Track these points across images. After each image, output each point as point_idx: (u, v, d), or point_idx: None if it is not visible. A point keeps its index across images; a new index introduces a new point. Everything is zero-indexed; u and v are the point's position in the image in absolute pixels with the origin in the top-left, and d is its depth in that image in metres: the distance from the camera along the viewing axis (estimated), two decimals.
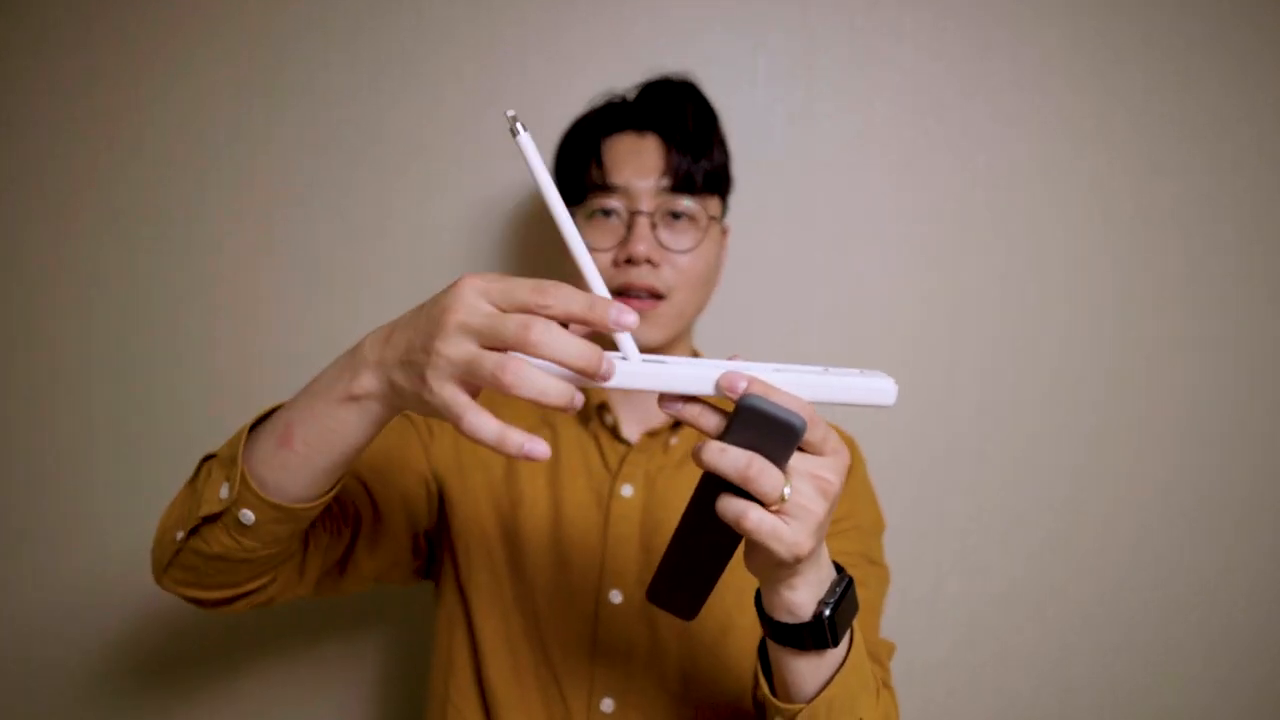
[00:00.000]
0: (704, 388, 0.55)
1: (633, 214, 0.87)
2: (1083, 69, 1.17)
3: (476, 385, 0.53)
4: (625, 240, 0.87)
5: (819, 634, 0.60)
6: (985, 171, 1.18)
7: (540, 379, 0.51)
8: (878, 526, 0.91)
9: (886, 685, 0.76)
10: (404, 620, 1.24)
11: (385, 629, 1.24)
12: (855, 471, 0.91)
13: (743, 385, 0.54)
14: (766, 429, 0.53)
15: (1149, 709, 1.22)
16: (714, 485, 0.56)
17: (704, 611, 0.82)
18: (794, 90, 1.18)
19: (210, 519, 0.64)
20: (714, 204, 0.92)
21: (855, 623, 0.64)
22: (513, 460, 0.90)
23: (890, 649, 0.84)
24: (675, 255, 0.87)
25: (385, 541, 0.84)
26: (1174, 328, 1.19)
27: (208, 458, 0.67)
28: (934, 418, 1.20)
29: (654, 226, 0.87)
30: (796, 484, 0.54)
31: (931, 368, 1.20)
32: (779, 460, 0.54)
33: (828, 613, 0.59)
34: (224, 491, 0.63)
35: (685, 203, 0.88)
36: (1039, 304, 1.19)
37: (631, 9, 1.17)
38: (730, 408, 0.55)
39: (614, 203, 0.88)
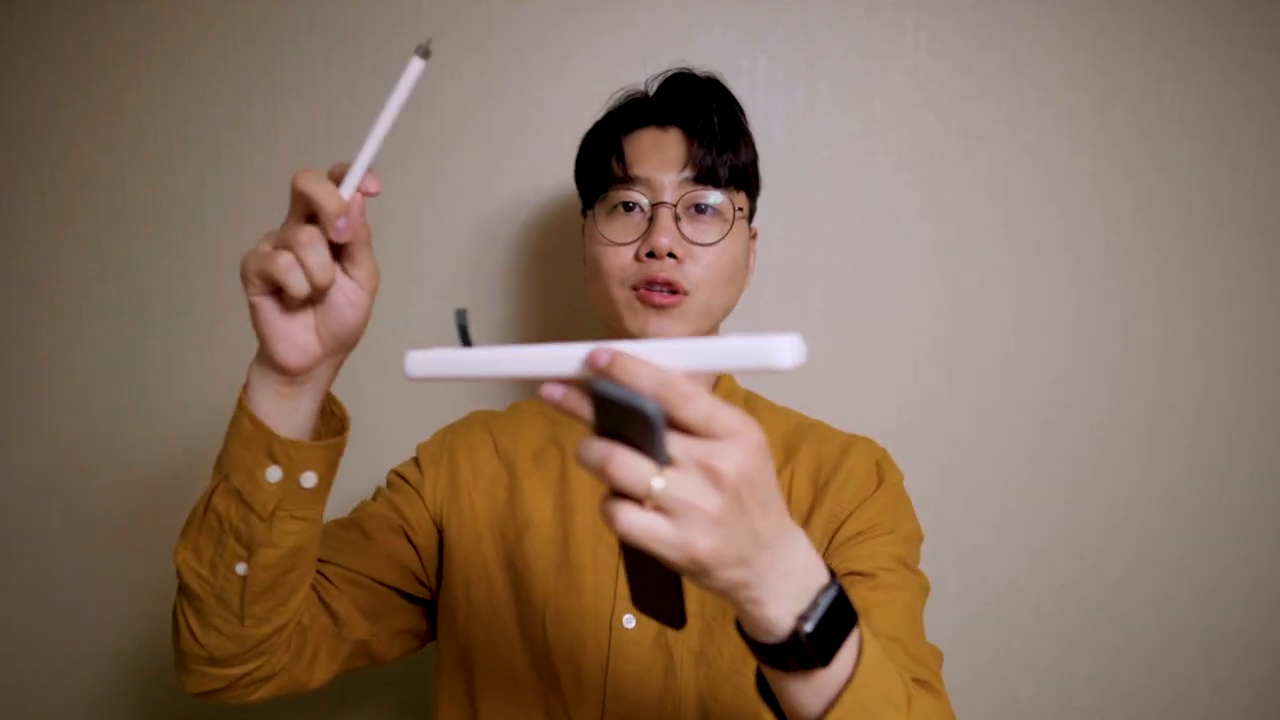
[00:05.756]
0: (571, 366, 0.48)
1: (655, 206, 0.84)
2: (1083, 68, 1.17)
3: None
4: (647, 233, 0.84)
5: (801, 653, 0.51)
6: (986, 171, 1.18)
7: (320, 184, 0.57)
8: (914, 536, 0.87)
9: (929, 686, 0.69)
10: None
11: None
12: (889, 483, 0.87)
13: (604, 360, 0.46)
14: (624, 416, 0.45)
15: (1149, 709, 1.22)
16: None
17: (723, 636, 0.79)
18: (794, 90, 1.18)
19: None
20: (740, 199, 0.88)
21: (865, 631, 0.55)
22: (516, 485, 0.89)
23: (938, 655, 0.78)
24: (699, 249, 0.84)
25: (386, 619, 0.85)
26: (1176, 328, 1.19)
27: (210, 497, 0.64)
28: (934, 417, 1.20)
29: (677, 220, 0.84)
30: (675, 475, 0.45)
31: (932, 367, 1.19)
32: (651, 449, 0.45)
33: (808, 628, 0.50)
34: (273, 475, 0.62)
35: (710, 195, 0.85)
36: (1040, 304, 1.19)
37: (631, 8, 1.17)
38: None
39: (636, 195, 0.85)
